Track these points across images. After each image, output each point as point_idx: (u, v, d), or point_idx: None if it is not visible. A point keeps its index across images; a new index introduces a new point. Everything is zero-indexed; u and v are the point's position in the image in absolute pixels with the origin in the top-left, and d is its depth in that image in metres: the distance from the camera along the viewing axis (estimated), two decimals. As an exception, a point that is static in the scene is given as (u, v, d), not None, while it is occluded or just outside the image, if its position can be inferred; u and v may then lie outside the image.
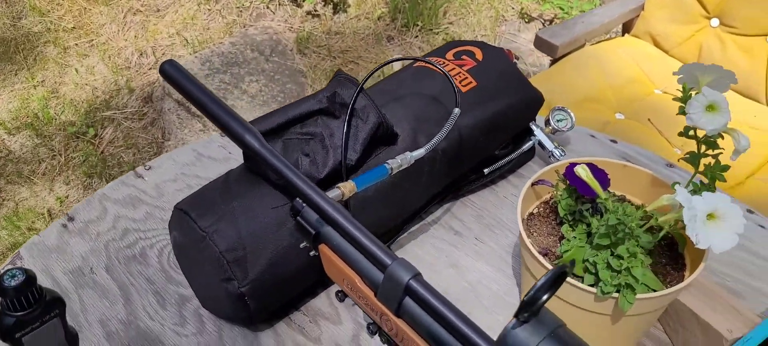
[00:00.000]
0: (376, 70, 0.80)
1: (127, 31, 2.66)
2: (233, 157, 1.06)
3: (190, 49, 2.48)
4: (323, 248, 0.56)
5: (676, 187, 0.66)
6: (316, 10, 2.65)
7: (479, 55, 0.96)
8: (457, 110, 0.79)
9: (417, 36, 2.53)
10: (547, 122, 1.02)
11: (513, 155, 0.96)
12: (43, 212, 2.02)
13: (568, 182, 0.69)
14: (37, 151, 2.23)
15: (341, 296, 0.58)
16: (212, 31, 2.57)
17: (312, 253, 0.57)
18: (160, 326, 0.83)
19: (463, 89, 0.90)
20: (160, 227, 0.95)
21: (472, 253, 0.91)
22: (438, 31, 2.57)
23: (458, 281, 0.87)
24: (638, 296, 0.65)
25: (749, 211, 0.97)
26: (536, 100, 0.98)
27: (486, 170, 0.94)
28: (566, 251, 0.69)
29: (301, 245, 0.58)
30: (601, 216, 0.66)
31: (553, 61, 1.79)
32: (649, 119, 1.64)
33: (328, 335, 0.82)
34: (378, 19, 2.61)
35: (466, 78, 0.91)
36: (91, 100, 2.40)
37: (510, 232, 0.93)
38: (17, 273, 0.58)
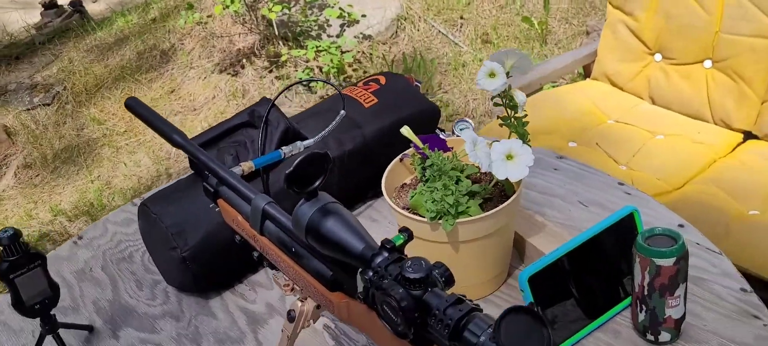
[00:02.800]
0: (285, 89, 1.07)
1: (167, 129, 3.06)
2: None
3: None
4: (220, 201, 0.81)
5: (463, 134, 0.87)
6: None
7: (383, 80, 1.22)
8: (342, 112, 1.04)
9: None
10: (452, 132, 1.26)
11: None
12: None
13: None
14: (89, 233, 2.58)
15: (240, 240, 0.82)
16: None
17: (213, 207, 0.81)
18: (136, 301, 1.09)
19: (366, 106, 1.16)
20: (144, 236, 1.22)
21: (384, 233, 1.13)
22: (433, 99, 2.85)
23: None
24: (459, 220, 0.86)
25: (680, 225, 1.04)
26: (433, 111, 1.23)
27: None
28: (413, 197, 0.91)
29: (210, 206, 0.83)
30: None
31: (514, 105, 2.02)
32: (597, 143, 1.84)
33: (262, 298, 1.06)
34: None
35: (370, 97, 1.17)
36: (136, 187, 2.76)
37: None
38: (8, 230, 0.85)
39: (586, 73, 2.22)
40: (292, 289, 0.86)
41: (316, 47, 3.00)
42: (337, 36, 3.20)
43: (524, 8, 3.27)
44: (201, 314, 1.04)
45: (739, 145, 1.82)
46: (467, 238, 0.89)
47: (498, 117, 0.96)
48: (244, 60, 3.19)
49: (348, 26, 3.26)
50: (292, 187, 0.61)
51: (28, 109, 3.37)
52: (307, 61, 3.03)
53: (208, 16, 3.43)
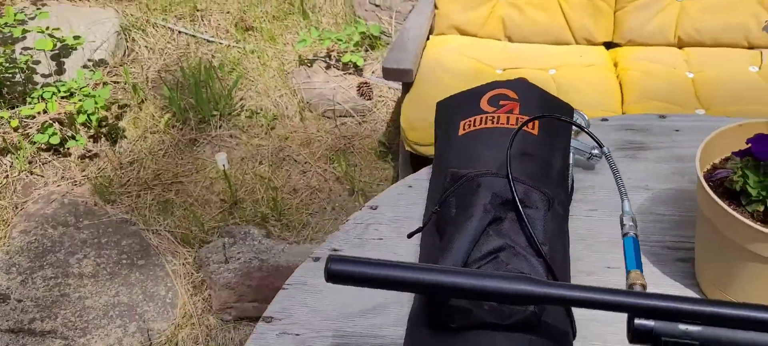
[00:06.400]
0: (510, 143, 0.72)
1: None
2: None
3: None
4: None
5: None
6: (90, 151, 2.28)
7: (513, 94, 0.92)
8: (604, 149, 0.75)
9: (221, 126, 2.34)
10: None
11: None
12: None
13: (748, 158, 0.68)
14: None
15: None
16: (-16, 230, 2.05)
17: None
18: None
19: (533, 132, 0.86)
20: None
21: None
22: (238, 110, 2.41)
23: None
24: None
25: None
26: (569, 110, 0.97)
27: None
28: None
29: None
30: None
31: (405, 86, 1.81)
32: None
33: None
34: (167, 127, 2.35)
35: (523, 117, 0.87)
36: None
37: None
38: None
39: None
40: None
41: (56, 93, 2.23)
42: (53, 75, 2.42)
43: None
44: None
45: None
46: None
47: None
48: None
49: (64, 57, 2.50)
50: None
51: None
52: (33, 118, 2.24)
53: None
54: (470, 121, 0.77)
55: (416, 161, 1.83)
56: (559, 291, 0.44)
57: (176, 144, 2.29)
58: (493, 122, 0.75)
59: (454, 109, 0.83)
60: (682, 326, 0.43)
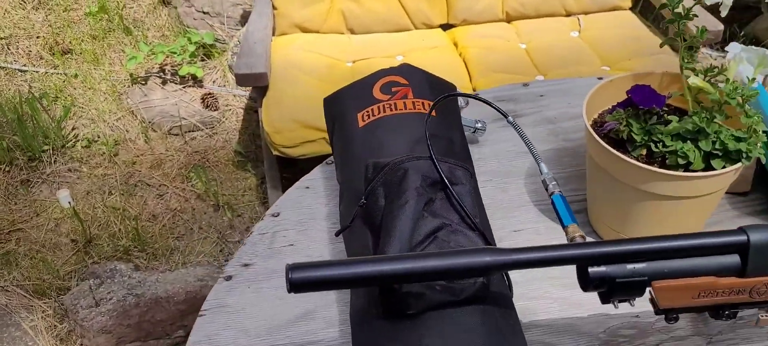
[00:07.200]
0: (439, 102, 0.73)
1: None
2: None
3: None
4: (656, 284, 0.55)
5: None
6: None
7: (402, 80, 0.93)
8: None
9: (56, 160, 2.13)
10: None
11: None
12: None
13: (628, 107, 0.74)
14: None
15: (674, 319, 0.58)
16: None
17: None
18: None
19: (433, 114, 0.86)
20: None
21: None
22: (73, 141, 2.21)
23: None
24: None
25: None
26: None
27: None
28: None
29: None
30: (666, 124, 0.76)
31: (260, 90, 1.77)
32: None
33: None
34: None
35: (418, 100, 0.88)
36: None
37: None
38: None
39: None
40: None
41: None
42: None
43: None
44: None
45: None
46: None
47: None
48: None
49: None
50: None
51: None
52: None
53: None
54: (368, 111, 0.78)
55: (283, 165, 1.81)
56: (520, 256, 0.46)
57: (5, 189, 2.05)
58: (392, 109, 0.76)
59: (346, 102, 0.82)
60: (630, 266, 0.47)
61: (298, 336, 0.70)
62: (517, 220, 0.83)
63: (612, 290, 0.47)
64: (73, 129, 2.28)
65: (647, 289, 0.49)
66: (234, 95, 2.46)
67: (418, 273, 0.47)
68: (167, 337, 1.44)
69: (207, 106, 2.40)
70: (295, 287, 0.45)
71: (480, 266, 0.46)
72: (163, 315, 1.40)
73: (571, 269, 0.52)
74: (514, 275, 0.64)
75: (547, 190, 0.57)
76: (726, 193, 0.83)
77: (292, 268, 0.46)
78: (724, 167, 0.65)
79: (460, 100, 0.99)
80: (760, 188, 0.84)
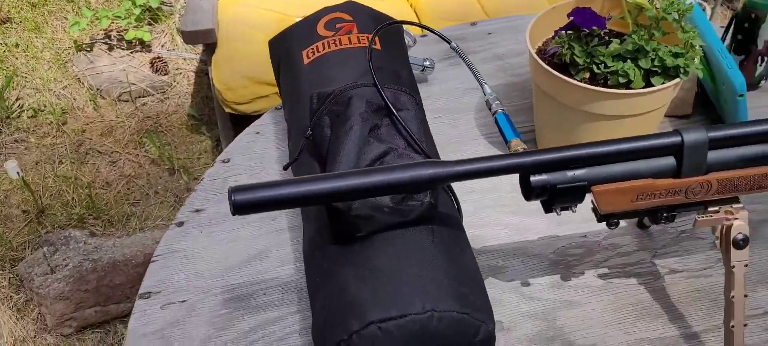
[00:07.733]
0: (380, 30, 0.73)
1: None
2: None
3: None
4: (596, 188, 0.56)
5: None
6: None
7: (347, 16, 0.91)
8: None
9: (1, 131, 2.06)
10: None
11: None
12: None
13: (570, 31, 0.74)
14: None
15: (615, 224, 0.60)
16: None
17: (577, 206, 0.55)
18: None
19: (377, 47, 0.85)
20: None
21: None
22: (18, 112, 2.13)
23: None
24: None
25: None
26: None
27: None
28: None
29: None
30: (608, 45, 0.78)
31: (209, 47, 1.73)
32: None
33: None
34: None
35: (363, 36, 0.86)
36: None
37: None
38: None
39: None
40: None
41: None
42: None
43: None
44: None
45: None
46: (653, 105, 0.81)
47: None
48: None
49: None
50: None
51: None
52: None
53: None
54: (312, 48, 0.77)
55: (237, 122, 1.78)
56: (463, 167, 0.47)
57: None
58: (336, 45, 0.75)
59: (290, 41, 0.81)
60: (570, 173, 0.48)
61: (253, 275, 0.70)
62: (467, 154, 0.83)
63: (554, 197, 0.48)
64: (17, 99, 2.20)
65: (587, 195, 0.50)
66: (184, 59, 2.41)
67: (362, 189, 0.47)
68: (127, 300, 1.42)
69: (156, 71, 2.35)
70: (239, 209, 0.45)
71: (424, 178, 0.46)
72: (121, 278, 1.38)
73: (519, 197, 0.52)
74: (465, 204, 0.65)
75: (490, 109, 0.58)
76: (669, 117, 0.86)
77: (234, 190, 0.45)
78: (663, 84, 0.67)
79: (407, 39, 0.99)
80: (701, 111, 0.87)
